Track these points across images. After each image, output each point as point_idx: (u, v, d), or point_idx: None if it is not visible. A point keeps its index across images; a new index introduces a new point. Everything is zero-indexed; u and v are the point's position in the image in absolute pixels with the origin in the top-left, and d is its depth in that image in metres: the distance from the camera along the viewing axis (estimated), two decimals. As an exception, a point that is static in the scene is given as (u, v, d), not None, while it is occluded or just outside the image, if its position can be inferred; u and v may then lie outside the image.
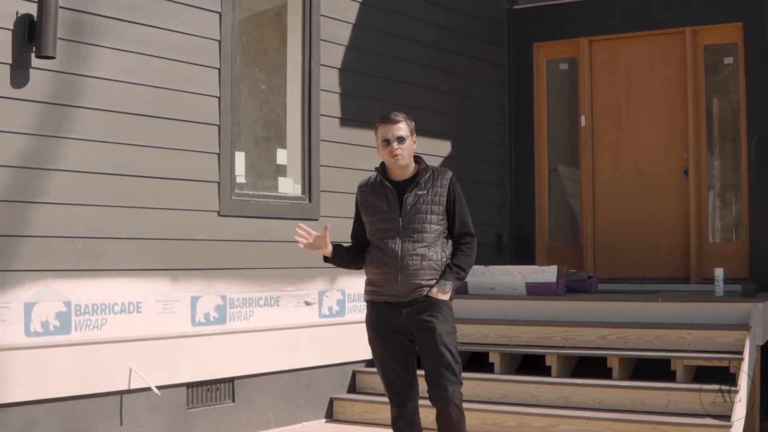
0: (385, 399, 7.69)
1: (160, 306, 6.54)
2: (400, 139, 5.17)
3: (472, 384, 7.26)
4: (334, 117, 7.95)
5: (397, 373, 5.28)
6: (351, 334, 8.04)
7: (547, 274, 8.60)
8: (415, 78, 8.79)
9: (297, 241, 5.19)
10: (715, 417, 6.69)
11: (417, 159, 5.31)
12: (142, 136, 6.45)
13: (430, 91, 8.98)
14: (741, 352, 7.14)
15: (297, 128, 7.73)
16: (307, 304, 7.66)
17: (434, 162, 8.88)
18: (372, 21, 8.33)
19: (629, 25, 9.67)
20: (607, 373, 7.48)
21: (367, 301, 5.42)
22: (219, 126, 6.95)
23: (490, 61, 9.89)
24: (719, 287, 8.15)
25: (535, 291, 8.55)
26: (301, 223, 5.30)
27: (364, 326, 8.05)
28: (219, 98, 6.95)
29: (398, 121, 5.19)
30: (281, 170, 7.69)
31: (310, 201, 7.69)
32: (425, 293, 5.15)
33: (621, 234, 9.66)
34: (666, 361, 7.38)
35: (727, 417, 6.62)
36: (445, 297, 5.16)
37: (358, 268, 5.42)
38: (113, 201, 6.27)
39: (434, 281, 5.16)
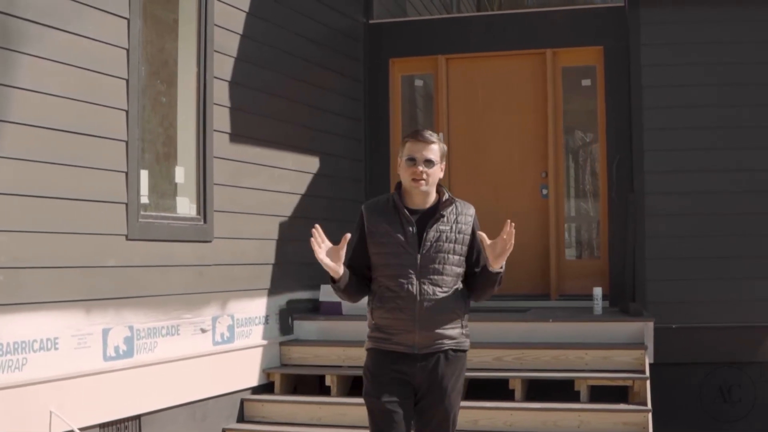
0: (280, 428, 7.51)
1: (75, 341, 5.93)
2: (428, 163, 4.54)
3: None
4: (224, 132, 7.53)
5: None
6: (239, 361, 7.68)
7: (427, 293, 8.48)
8: (288, 91, 8.47)
9: (313, 246, 4.40)
10: (632, 436, 6.85)
11: (438, 188, 4.69)
12: (61, 154, 5.82)
13: (302, 105, 8.69)
14: (642, 371, 7.36)
15: (188, 144, 7.25)
16: (203, 331, 7.20)
17: (304, 179, 8.65)
18: (255, 32, 7.95)
19: (488, 45, 9.76)
20: (503, 395, 7.49)
21: (370, 349, 4.67)
22: (127, 142, 6.39)
23: (349, 75, 9.69)
24: (598, 305, 8.36)
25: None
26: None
27: (250, 351, 7.82)
28: (127, 112, 6.39)
29: (431, 142, 4.57)
30: (178, 189, 7.18)
31: (204, 221, 7.24)
32: (447, 346, 4.57)
33: (479, 251, 9.68)
34: (562, 381, 7.49)
35: (645, 436, 6.79)
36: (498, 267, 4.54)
37: (354, 302, 4.77)
38: (34, 226, 5.62)
39: (455, 331, 4.61)
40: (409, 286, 4.52)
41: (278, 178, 8.24)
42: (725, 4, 8.78)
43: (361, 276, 4.65)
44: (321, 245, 4.43)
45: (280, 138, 8.27)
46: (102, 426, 6.15)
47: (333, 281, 4.54)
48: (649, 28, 8.92)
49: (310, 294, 8.73)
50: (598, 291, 8.40)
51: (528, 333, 7.99)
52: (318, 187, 8.85)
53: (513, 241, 4.53)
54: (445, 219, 4.62)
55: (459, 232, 4.63)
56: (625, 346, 7.61)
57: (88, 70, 6.07)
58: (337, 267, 4.46)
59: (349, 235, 4.49)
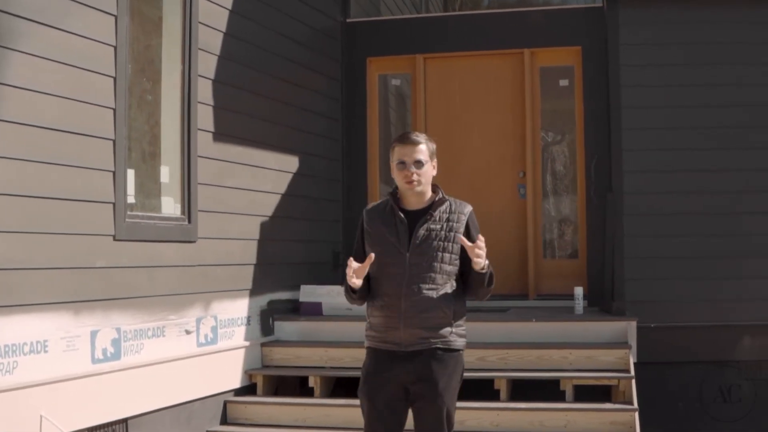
0: (264, 430, 7.44)
1: (64, 343, 5.82)
2: (418, 164, 4.62)
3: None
4: (208, 131, 7.45)
5: None
6: (222, 363, 7.61)
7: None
8: (269, 90, 8.40)
9: (351, 279, 4.56)
10: (620, 436, 6.87)
11: (434, 188, 4.76)
12: (50, 152, 5.72)
13: (282, 104, 8.63)
14: (627, 371, 7.38)
15: (173, 143, 7.16)
16: (188, 332, 7.12)
17: (284, 178, 8.59)
18: (238, 30, 7.87)
19: (467, 45, 9.74)
20: (488, 395, 7.47)
21: (368, 347, 4.78)
22: (114, 141, 6.29)
23: (327, 75, 9.63)
24: (579, 305, 8.38)
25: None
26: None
27: (233, 353, 7.76)
28: (114, 110, 6.29)
29: (418, 143, 4.66)
30: (163, 189, 7.08)
31: (189, 222, 7.15)
32: (433, 344, 4.58)
33: (456, 251, 9.67)
34: (543, 381, 7.49)
35: (633, 435, 6.81)
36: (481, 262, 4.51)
37: (361, 305, 4.81)
38: (26, 227, 5.52)
39: (444, 330, 4.61)
40: (397, 285, 4.59)
41: (260, 178, 8.17)
42: (704, 4, 8.81)
43: (366, 279, 4.70)
44: (353, 271, 4.55)
45: (262, 137, 8.21)
46: (90, 430, 6.05)
47: (350, 291, 4.66)
48: (627, 28, 8.92)
49: (290, 294, 8.67)
50: (579, 290, 8.41)
51: (511, 333, 7.98)
52: (297, 186, 8.80)
53: (483, 246, 4.53)
54: (437, 218, 4.66)
55: (450, 230, 4.65)
56: (609, 346, 7.64)
57: (77, 67, 5.97)
58: (356, 281, 4.57)
59: (373, 255, 4.58)
